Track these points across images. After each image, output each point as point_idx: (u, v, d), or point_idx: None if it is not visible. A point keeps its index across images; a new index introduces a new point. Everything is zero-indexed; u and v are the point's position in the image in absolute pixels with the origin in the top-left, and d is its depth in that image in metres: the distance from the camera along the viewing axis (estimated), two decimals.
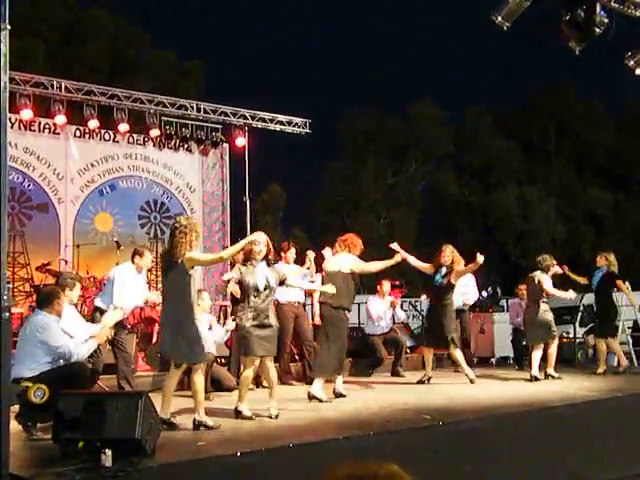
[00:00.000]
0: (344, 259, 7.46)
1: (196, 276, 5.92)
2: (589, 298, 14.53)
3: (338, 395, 7.42)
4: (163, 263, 5.92)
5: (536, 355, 8.97)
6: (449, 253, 8.73)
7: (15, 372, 4.93)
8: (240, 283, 6.38)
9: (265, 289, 6.24)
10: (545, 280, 9.07)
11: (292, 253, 9.05)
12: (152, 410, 4.66)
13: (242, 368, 6.49)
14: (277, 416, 6.08)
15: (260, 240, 6.34)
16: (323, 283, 7.46)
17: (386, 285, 10.30)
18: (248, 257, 6.33)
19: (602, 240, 29.90)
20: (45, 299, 5.75)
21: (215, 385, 7.73)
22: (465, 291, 10.66)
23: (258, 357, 6.20)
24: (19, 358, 5.30)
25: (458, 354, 8.72)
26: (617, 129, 32.98)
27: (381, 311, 10.09)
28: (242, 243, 6.09)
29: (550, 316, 9.13)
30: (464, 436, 5.64)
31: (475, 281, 11.11)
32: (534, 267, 9.37)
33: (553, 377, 8.91)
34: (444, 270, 8.68)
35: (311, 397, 7.06)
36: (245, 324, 6.16)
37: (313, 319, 9.37)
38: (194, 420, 5.54)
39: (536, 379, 8.71)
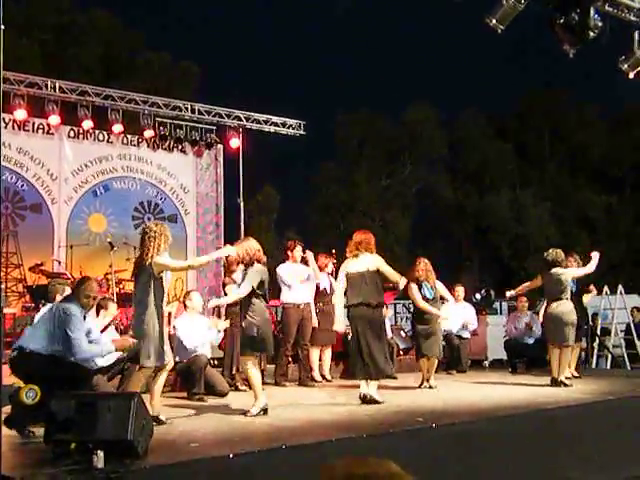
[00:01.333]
0: (370, 260, 7.26)
1: (165, 282, 5.97)
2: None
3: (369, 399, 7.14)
4: (134, 268, 6.03)
5: (564, 358, 8.53)
6: (423, 266, 8.55)
7: (23, 342, 5.29)
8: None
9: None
10: (573, 271, 8.74)
11: (299, 251, 8.98)
12: (144, 411, 4.64)
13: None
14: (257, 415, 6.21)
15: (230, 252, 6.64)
16: (348, 286, 7.30)
17: None
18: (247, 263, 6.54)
19: (595, 243, 29.98)
20: (75, 288, 5.86)
21: (208, 389, 7.69)
22: (464, 315, 10.73)
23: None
24: (38, 333, 5.42)
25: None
26: (610, 132, 33.09)
27: None
28: (212, 256, 6.53)
29: (574, 316, 8.53)
30: (457, 438, 5.65)
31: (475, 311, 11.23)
32: (550, 264, 8.67)
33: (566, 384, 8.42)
34: (428, 284, 8.51)
35: (368, 400, 6.93)
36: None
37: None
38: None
39: (563, 384, 8.34)
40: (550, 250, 8.87)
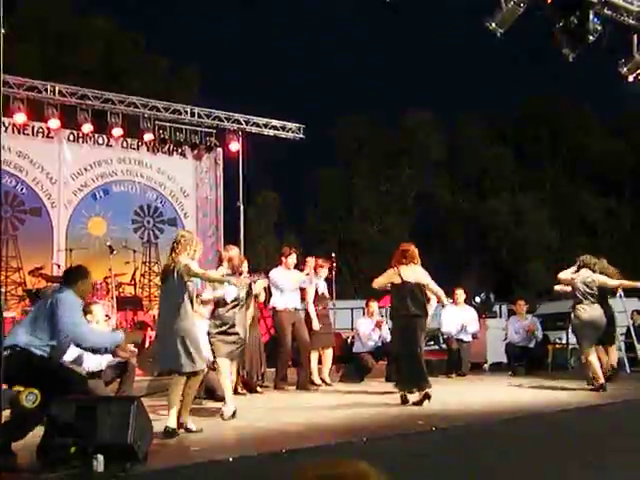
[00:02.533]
0: (420, 272, 7.45)
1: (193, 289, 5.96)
2: None
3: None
4: (162, 275, 6.02)
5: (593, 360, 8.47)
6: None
7: (17, 339, 4.87)
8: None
9: (234, 300, 6.67)
10: (605, 280, 8.69)
11: (293, 258, 9.02)
12: (144, 415, 4.64)
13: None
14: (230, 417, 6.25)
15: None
16: (393, 296, 7.50)
17: (373, 306, 10.39)
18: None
19: (595, 246, 29.98)
20: (69, 277, 5.49)
21: (208, 393, 7.68)
22: (463, 317, 10.72)
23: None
24: (31, 327, 5.05)
25: None
26: (609, 136, 33.12)
27: (368, 331, 10.16)
28: (230, 283, 6.38)
29: (605, 319, 8.57)
30: (457, 442, 5.64)
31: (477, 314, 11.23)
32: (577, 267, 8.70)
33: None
34: None
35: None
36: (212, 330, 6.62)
37: (309, 324, 9.29)
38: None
39: (603, 388, 8.18)
40: (584, 256, 8.90)
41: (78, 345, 5.34)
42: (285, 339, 8.86)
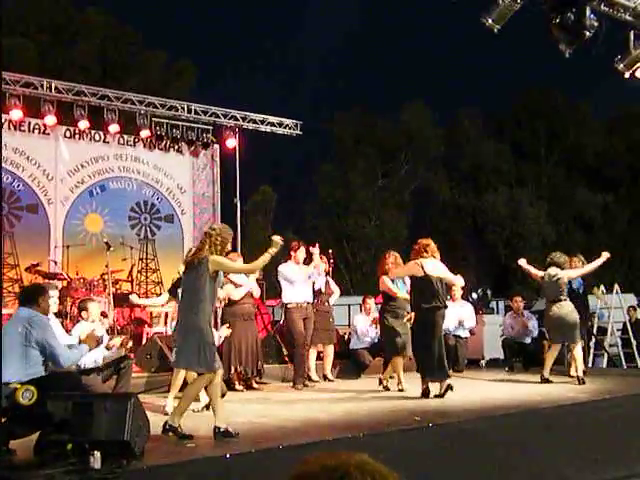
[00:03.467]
0: (441, 266, 7.68)
1: (218, 283, 5.72)
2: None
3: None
4: (185, 267, 5.77)
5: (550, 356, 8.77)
6: (392, 260, 8.35)
7: (6, 375, 4.74)
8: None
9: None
10: (569, 272, 8.80)
11: (302, 252, 8.94)
12: (141, 412, 4.64)
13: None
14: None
15: None
16: (414, 289, 7.69)
17: (370, 302, 10.39)
18: None
19: (591, 242, 30.02)
20: (29, 296, 5.43)
21: (205, 390, 7.67)
22: (460, 313, 10.71)
23: None
24: (9, 359, 4.94)
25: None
26: (606, 131, 33.15)
27: (365, 328, 10.16)
28: (270, 254, 5.81)
29: (576, 316, 8.68)
30: (454, 438, 5.65)
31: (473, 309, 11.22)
32: (548, 265, 8.87)
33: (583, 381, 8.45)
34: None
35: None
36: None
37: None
38: (165, 423, 5.40)
39: (547, 381, 8.56)
40: (553, 253, 9.07)
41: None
42: (300, 337, 8.65)
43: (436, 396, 7.33)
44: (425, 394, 7.40)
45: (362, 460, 1.64)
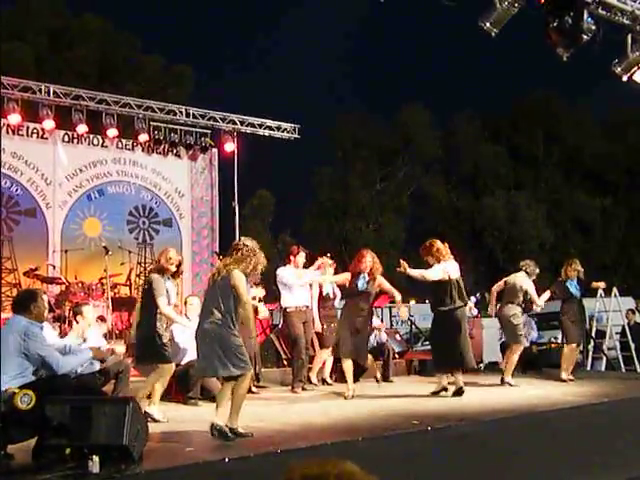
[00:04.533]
0: (457, 266, 8.09)
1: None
2: None
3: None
4: (209, 279, 5.81)
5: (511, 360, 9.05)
6: (369, 259, 8.07)
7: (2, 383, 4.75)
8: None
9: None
10: (530, 287, 9.14)
11: (302, 257, 8.92)
12: (140, 416, 4.63)
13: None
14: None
15: (175, 258, 6.57)
16: (437, 290, 8.00)
17: None
18: (163, 271, 6.50)
19: (589, 245, 30.06)
20: (21, 303, 5.32)
21: (204, 394, 7.68)
22: None
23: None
24: (5, 367, 4.92)
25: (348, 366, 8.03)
26: (604, 135, 33.18)
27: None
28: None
29: (519, 320, 9.04)
30: (453, 441, 5.64)
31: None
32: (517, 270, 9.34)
33: (510, 384, 8.81)
34: (366, 276, 7.98)
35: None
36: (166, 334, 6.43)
37: (313, 325, 9.22)
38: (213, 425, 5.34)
39: (509, 385, 8.79)
40: (528, 260, 9.50)
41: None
42: (300, 340, 8.61)
43: (453, 395, 7.69)
44: (438, 391, 7.91)
45: (345, 470, 1.60)
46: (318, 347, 9.41)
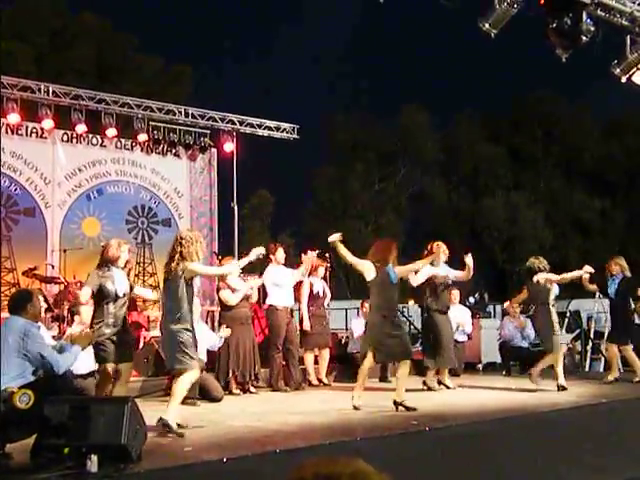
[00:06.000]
0: (447, 268, 8.57)
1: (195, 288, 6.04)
2: (576, 304, 14.60)
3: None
4: (163, 274, 6.02)
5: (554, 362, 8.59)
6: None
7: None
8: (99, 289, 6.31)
9: (124, 296, 6.39)
10: (551, 276, 8.74)
11: (280, 253, 9.00)
12: (138, 416, 4.63)
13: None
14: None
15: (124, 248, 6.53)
16: (431, 291, 8.51)
17: (368, 306, 10.33)
18: (108, 262, 6.38)
19: (589, 245, 30.07)
20: (17, 303, 5.30)
21: (203, 394, 7.68)
22: (458, 318, 10.70)
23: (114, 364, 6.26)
24: (3, 369, 4.89)
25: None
26: (604, 135, 33.20)
27: (362, 331, 10.13)
28: (243, 262, 6.40)
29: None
30: (452, 442, 5.65)
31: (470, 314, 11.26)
32: (531, 272, 8.85)
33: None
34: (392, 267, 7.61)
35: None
36: (105, 331, 6.21)
37: (301, 324, 9.30)
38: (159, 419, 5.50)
39: (564, 388, 8.27)
40: (531, 259, 9.09)
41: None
42: (279, 339, 8.82)
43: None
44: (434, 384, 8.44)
45: (357, 470, 1.60)
46: (318, 347, 9.43)
